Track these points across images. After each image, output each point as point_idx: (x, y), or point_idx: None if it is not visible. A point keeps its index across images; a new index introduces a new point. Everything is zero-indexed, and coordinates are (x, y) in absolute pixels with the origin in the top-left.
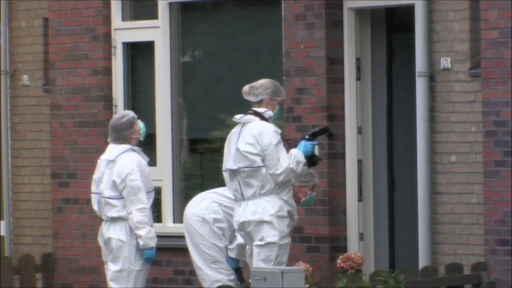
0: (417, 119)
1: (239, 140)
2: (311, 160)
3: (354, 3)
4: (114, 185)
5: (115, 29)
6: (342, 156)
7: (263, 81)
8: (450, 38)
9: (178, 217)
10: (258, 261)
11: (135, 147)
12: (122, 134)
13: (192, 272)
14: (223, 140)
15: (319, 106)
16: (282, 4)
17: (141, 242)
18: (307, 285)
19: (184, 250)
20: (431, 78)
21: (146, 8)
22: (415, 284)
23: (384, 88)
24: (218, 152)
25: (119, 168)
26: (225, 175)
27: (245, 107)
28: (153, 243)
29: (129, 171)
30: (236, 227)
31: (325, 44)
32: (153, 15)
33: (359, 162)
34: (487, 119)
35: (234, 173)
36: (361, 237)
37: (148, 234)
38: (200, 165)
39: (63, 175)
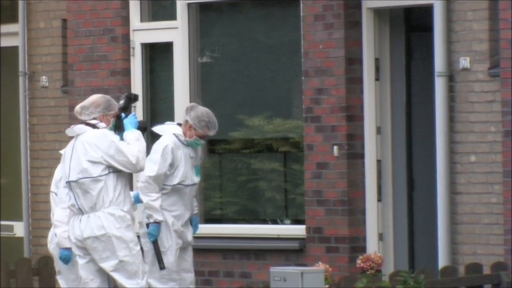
0: (436, 119)
1: (74, 151)
2: (142, 129)
3: (372, 3)
4: None
5: (134, 30)
6: (361, 156)
7: (93, 99)
8: (469, 38)
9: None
10: (123, 280)
11: None
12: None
13: (212, 273)
14: (242, 140)
15: (338, 106)
16: (301, 4)
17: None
18: (326, 286)
19: (203, 251)
20: (450, 78)
21: (165, 9)
22: (434, 284)
23: (403, 88)
24: (237, 152)
25: None
26: (65, 188)
27: (263, 106)
28: (66, 243)
29: None
30: (75, 242)
31: (344, 44)
32: (172, 15)
33: (378, 162)
34: (506, 118)
35: (72, 185)
36: (381, 237)
37: (63, 233)
38: (219, 165)
39: None
